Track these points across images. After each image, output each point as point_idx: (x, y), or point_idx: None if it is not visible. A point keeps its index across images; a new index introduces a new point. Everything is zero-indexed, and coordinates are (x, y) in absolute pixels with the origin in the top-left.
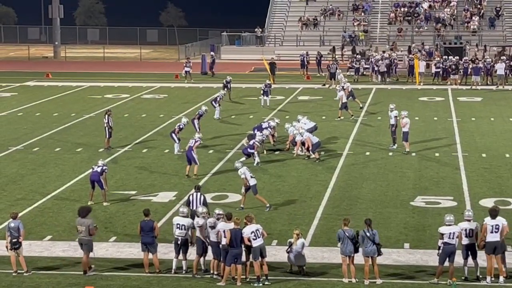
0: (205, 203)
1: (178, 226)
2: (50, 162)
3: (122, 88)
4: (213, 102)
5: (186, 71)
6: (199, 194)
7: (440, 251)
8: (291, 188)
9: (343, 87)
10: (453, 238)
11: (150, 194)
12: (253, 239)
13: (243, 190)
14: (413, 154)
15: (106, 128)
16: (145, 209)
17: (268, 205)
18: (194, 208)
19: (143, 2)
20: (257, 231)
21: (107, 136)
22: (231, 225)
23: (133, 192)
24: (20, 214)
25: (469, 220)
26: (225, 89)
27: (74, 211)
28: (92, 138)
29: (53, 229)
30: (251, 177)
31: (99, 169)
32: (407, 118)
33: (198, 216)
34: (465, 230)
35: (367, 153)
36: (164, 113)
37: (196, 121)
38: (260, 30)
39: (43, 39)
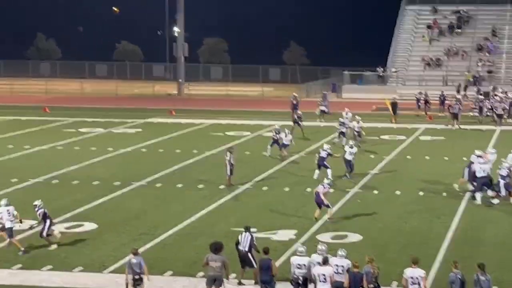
0: (251, 244)
1: (299, 266)
2: (172, 198)
3: (244, 126)
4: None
5: (321, 110)
6: (247, 233)
7: None
8: (412, 228)
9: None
10: None
11: (269, 232)
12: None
13: None
14: None
15: (228, 165)
16: (265, 248)
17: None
18: (241, 248)
19: (266, 41)
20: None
21: (229, 174)
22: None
23: (253, 230)
24: (142, 249)
25: None
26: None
27: (195, 247)
28: (213, 175)
29: (173, 265)
30: None
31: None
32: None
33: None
34: None
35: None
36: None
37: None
38: (382, 69)
39: (168, 76)
